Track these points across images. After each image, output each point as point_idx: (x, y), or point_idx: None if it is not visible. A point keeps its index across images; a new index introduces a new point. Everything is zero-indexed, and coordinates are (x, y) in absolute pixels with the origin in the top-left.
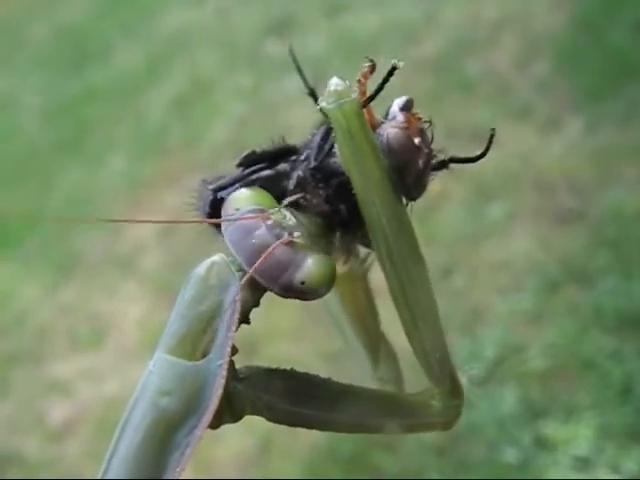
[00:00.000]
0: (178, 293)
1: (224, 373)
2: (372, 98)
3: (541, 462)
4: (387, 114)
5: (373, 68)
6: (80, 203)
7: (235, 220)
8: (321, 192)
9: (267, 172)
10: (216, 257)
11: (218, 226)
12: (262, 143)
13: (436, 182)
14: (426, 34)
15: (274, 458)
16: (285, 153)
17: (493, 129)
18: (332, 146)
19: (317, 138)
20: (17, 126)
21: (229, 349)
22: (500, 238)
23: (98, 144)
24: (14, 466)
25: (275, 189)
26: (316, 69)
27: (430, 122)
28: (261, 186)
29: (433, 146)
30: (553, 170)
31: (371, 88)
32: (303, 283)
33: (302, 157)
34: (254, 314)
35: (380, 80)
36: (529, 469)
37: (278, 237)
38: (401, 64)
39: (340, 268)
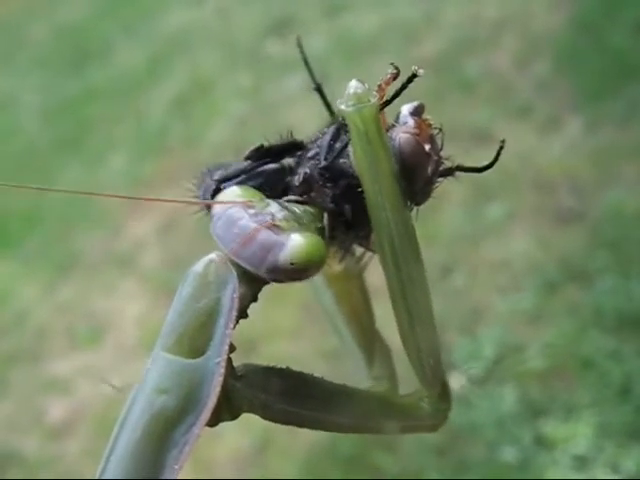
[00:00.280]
0: (176, 291)
1: (222, 371)
2: (388, 103)
3: (540, 461)
4: (398, 117)
5: (397, 75)
6: (80, 202)
7: (219, 204)
8: (328, 191)
9: (272, 166)
10: (214, 255)
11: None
12: (268, 139)
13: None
14: (426, 34)
15: (272, 457)
16: (292, 148)
17: (503, 141)
18: (343, 147)
19: (327, 137)
20: (17, 125)
21: (227, 347)
22: (499, 238)
23: (98, 143)
24: (14, 465)
25: (280, 183)
26: (316, 69)
27: (440, 129)
28: (265, 180)
29: (442, 153)
30: (553, 170)
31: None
32: (292, 264)
33: (309, 154)
34: (254, 313)
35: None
36: (528, 468)
37: (260, 223)
38: (421, 71)
39: (337, 267)
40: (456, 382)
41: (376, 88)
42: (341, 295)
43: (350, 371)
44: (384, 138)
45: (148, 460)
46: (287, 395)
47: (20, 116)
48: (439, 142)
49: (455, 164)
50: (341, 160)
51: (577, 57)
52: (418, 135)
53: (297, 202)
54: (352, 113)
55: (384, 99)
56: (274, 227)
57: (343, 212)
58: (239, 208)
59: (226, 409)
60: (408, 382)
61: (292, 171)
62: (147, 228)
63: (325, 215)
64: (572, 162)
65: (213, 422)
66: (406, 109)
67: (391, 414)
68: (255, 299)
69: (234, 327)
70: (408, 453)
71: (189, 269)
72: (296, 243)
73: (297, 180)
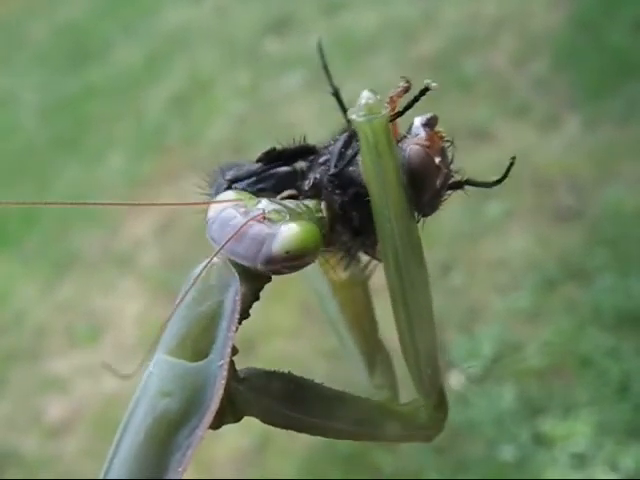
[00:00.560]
0: (176, 290)
1: (224, 374)
2: (400, 114)
3: (539, 459)
4: (410, 128)
5: (408, 88)
6: (78, 200)
7: (213, 208)
8: (336, 198)
9: (284, 169)
10: (215, 258)
11: None
12: (261, 141)
13: None
14: (425, 32)
15: (272, 457)
16: (304, 152)
17: (513, 158)
18: (354, 155)
19: (339, 144)
20: (16, 124)
21: (229, 349)
22: (498, 236)
23: (97, 142)
24: (12, 464)
25: (290, 186)
26: (315, 67)
27: (452, 142)
28: (277, 182)
29: (452, 166)
30: (551, 168)
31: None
32: (288, 252)
33: (320, 160)
34: (253, 313)
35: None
36: (527, 467)
37: (251, 218)
38: (434, 84)
39: (342, 274)
40: (455, 380)
41: (387, 100)
42: (345, 302)
43: (349, 372)
44: (393, 150)
45: (151, 463)
46: (288, 400)
47: (19, 114)
48: (450, 155)
49: (465, 177)
50: (351, 168)
51: (576, 55)
52: (429, 147)
53: (290, 198)
54: (363, 124)
55: (395, 111)
56: (265, 220)
57: (351, 219)
58: (231, 209)
59: (229, 412)
60: (410, 389)
61: (303, 175)
62: (145, 227)
63: (323, 204)
64: (571, 160)
65: (216, 425)
66: (418, 121)
67: (388, 422)
68: (257, 298)
69: (237, 329)
70: (407, 452)
71: (191, 272)
72: (290, 231)
73: (307, 184)
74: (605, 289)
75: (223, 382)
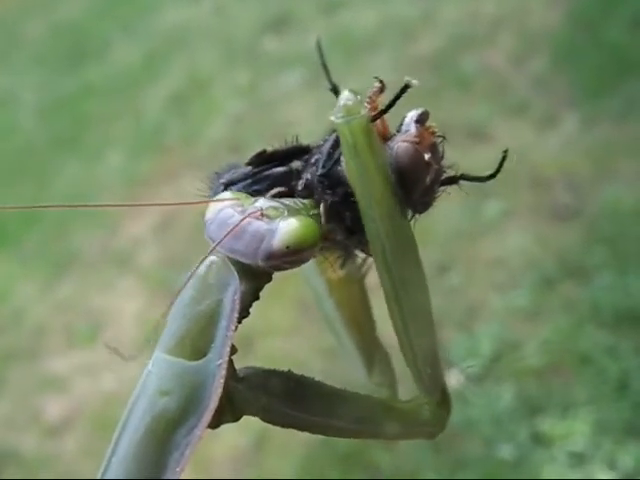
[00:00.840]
0: (174, 289)
1: (223, 373)
2: (383, 113)
3: (537, 458)
4: (401, 125)
5: (382, 88)
6: (77, 200)
7: (211, 208)
8: (327, 198)
9: (279, 169)
10: (214, 256)
11: None
12: (259, 140)
13: None
14: (423, 31)
15: (270, 455)
16: (297, 153)
17: (505, 151)
18: (341, 155)
19: (327, 145)
20: (14, 123)
21: (228, 348)
22: (496, 235)
23: (95, 141)
24: (11, 464)
25: (287, 187)
26: (314, 66)
27: (443, 137)
28: (272, 183)
29: (444, 162)
30: (549, 167)
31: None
32: (288, 247)
33: (312, 160)
34: (250, 311)
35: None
36: (525, 466)
37: (249, 215)
38: (415, 82)
39: (338, 272)
40: (454, 379)
41: (366, 100)
42: (342, 301)
43: (347, 370)
44: (375, 150)
45: (150, 462)
46: (288, 398)
47: (18, 114)
48: (441, 150)
49: (459, 173)
50: (339, 168)
51: (574, 54)
52: (418, 143)
53: (282, 195)
54: (341, 125)
55: (377, 110)
56: (263, 217)
57: (343, 218)
58: (229, 209)
59: (228, 411)
60: (409, 385)
61: (299, 175)
62: (144, 227)
63: (321, 204)
64: (569, 159)
65: (215, 424)
66: (409, 116)
67: (390, 420)
68: (257, 297)
69: (236, 328)
70: (405, 451)
71: (190, 271)
72: (289, 226)
73: (301, 184)
74: (603, 287)
75: (222, 381)
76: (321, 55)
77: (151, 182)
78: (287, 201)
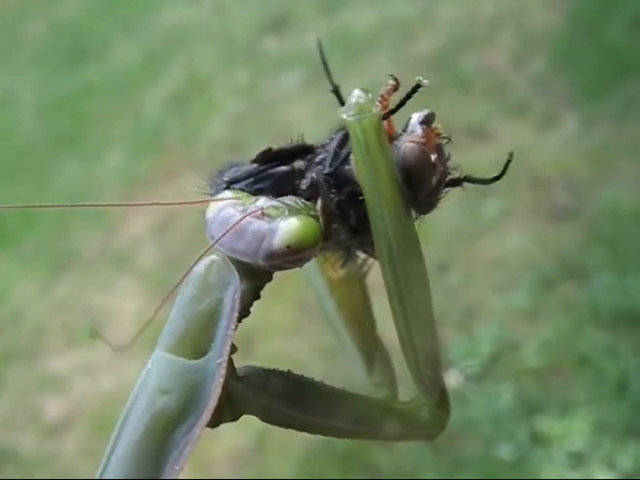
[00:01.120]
0: (173, 289)
1: (223, 372)
2: (393, 112)
3: (536, 458)
4: (407, 126)
5: (397, 86)
6: (77, 199)
7: (212, 207)
8: (333, 197)
9: (283, 168)
10: (215, 255)
11: None
12: (259, 140)
13: None
14: (423, 31)
15: (269, 455)
16: (302, 152)
17: (511, 154)
18: (348, 154)
19: (334, 144)
20: (14, 123)
21: (228, 347)
22: (496, 235)
23: (95, 141)
24: (10, 463)
25: (289, 186)
26: (313, 66)
27: (449, 138)
28: (275, 182)
29: (449, 163)
30: (549, 167)
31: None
32: (289, 246)
33: (317, 159)
34: (250, 310)
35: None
36: (524, 465)
37: (249, 215)
38: (426, 81)
39: (339, 272)
40: (453, 379)
41: (378, 98)
42: (342, 300)
43: (347, 370)
44: (385, 148)
45: (149, 460)
46: (287, 398)
47: (17, 113)
48: (447, 152)
49: (463, 174)
50: (346, 167)
51: (573, 54)
52: (424, 144)
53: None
54: (353, 123)
55: (387, 109)
56: (263, 216)
57: (348, 218)
58: (230, 208)
59: (227, 410)
60: (409, 385)
61: (302, 174)
62: (143, 226)
63: (319, 203)
64: (568, 159)
65: (214, 423)
66: (415, 117)
67: (389, 421)
68: (258, 296)
69: (236, 327)
70: (404, 451)
71: (191, 270)
72: (290, 226)
73: (304, 184)
74: (603, 288)
75: (221, 380)
76: (322, 54)
77: (151, 182)
78: (288, 200)
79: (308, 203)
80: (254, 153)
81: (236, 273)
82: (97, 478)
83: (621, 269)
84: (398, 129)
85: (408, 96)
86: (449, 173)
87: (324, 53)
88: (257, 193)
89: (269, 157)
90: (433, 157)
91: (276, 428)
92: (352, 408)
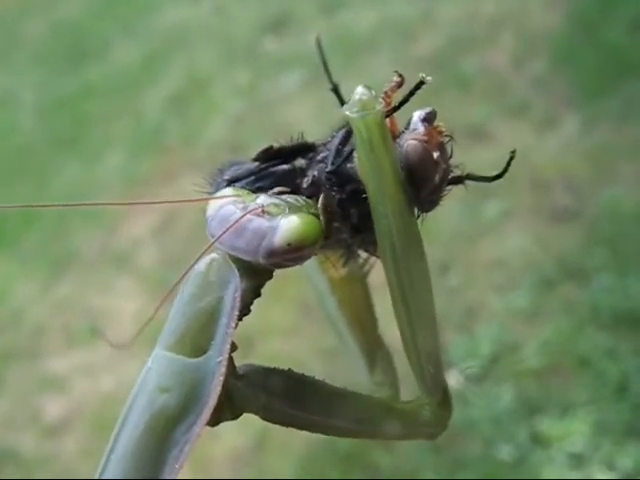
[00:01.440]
0: (174, 289)
1: (223, 370)
2: (396, 109)
3: (536, 459)
4: (408, 123)
5: (401, 82)
6: (77, 199)
7: (212, 205)
8: (335, 195)
9: (284, 167)
10: (215, 253)
11: None
12: (259, 140)
13: None
14: (423, 31)
15: (270, 455)
16: (303, 150)
17: (513, 151)
18: (351, 151)
19: (336, 141)
20: (14, 123)
21: (228, 346)
22: (496, 236)
23: (95, 141)
24: (9, 464)
25: (290, 184)
26: (314, 67)
27: (451, 136)
28: (276, 180)
29: (451, 161)
30: (549, 168)
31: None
32: (290, 244)
33: (319, 157)
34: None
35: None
36: (525, 466)
37: (250, 212)
38: (429, 78)
39: (340, 271)
40: (453, 380)
41: (382, 95)
42: (344, 299)
43: (348, 370)
44: (389, 146)
45: (149, 459)
46: (288, 397)
47: (17, 114)
48: (449, 150)
49: (465, 172)
50: (348, 165)
51: (574, 55)
52: (427, 142)
53: (286, 192)
54: (356, 120)
55: (391, 106)
56: (264, 214)
57: (350, 216)
58: (230, 205)
59: (227, 409)
60: (411, 385)
61: (303, 173)
62: (143, 226)
63: (320, 202)
64: (569, 160)
65: (214, 422)
66: (417, 115)
67: (391, 420)
68: (258, 294)
69: (236, 326)
70: (405, 451)
71: (192, 268)
72: (291, 223)
73: (306, 182)
74: (603, 289)
75: (221, 379)
76: (321, 54)
77: (151, 182)
78: (289, 198)
79: (309, 201)
80: (254, 153)
81: (236, 271)
82: (97, 478)
83: (621, 270)
84: (400, 127)
85: (411, 93)
86: (451, 171)
87: (323, 51)
88: (258, 192)
89: (270, 155)
90: (435, 155)
91: (276, 427)
92: (353, 407)
